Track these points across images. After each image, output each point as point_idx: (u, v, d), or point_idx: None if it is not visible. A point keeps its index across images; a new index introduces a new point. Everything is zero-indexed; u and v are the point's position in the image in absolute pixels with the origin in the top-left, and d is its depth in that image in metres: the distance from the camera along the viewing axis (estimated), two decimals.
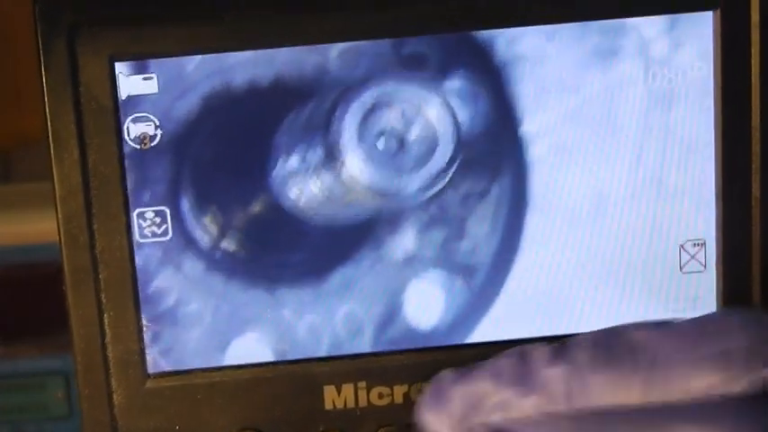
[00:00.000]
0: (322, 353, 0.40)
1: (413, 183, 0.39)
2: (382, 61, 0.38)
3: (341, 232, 0.39)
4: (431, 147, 0.38)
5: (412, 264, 0.40)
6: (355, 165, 0.38)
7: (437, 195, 0.39)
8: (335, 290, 0.39)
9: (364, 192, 0.39)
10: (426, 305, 0.40)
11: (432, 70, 0.38)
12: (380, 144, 0.38)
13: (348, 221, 0.39)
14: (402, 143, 0.38)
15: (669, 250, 0.40)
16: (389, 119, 0.38)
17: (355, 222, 0.39)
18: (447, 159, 0.39)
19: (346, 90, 0.38)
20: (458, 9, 0.37)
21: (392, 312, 0.40)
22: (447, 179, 0.39)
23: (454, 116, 0.38)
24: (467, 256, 0.39)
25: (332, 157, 0.38)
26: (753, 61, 0.38)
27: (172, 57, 0.37)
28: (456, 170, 0.39)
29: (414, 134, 0.38)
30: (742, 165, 0.39)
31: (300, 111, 0.38)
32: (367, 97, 0.38)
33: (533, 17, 0.38)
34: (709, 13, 0.38)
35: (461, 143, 0.39)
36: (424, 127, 0.38)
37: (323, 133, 0.38)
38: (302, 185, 0.39)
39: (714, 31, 0.38)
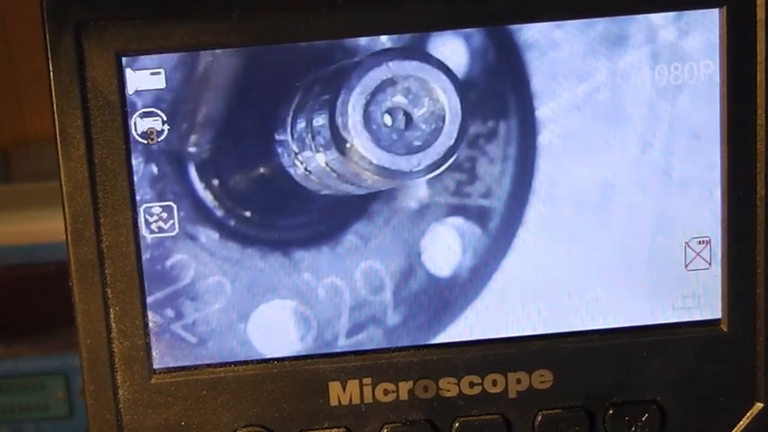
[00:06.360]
0: (344, 309, 0.40)
1: (419, 162, 0.39)
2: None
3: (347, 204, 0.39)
4: (437, 126, 0.38)
5: (415, 250, 0.40)
6: (362, 142, 0.38)
7: (442, 176, 0.39)
8: (352, 248, 0.39)
9: (370, 169, 0.38)
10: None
11: (439, 54, 0.38)
12: (388, 120, 0.38)
13: (351, 196, 0.39)
14: (409, 121, 0.38)
15: (674, 247, 0.40)
16: (397, 95, 0.38)
17: (358, 196, 0.39)
18: (453, 141, 0.39)
19: (355, 65, 0.38)
20: (470, 7, 0.37)
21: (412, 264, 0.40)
22: (452, 160, 0.39)
23: (461, 99, 0.38)
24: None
25: (339, 133, 0.38)
26: (759, 59, 0.38)
27: (179, 52, 0.37)
28: (462, 153, 0.39)
29: (420, 112, 0.38)
30: (747, 163, 0.39)
31: (308, 89, 0.38)
32: (376, 73, 0.38)
33: (542, 15, 0.38)
34: (716, 11, 0.38)
35: (467, 127, 0.39)
36: (431, 106, 0.38)
37: (330, 108, 0.38)
38: (311, 164, 0.39)
39: (720, 28, 0.38)
